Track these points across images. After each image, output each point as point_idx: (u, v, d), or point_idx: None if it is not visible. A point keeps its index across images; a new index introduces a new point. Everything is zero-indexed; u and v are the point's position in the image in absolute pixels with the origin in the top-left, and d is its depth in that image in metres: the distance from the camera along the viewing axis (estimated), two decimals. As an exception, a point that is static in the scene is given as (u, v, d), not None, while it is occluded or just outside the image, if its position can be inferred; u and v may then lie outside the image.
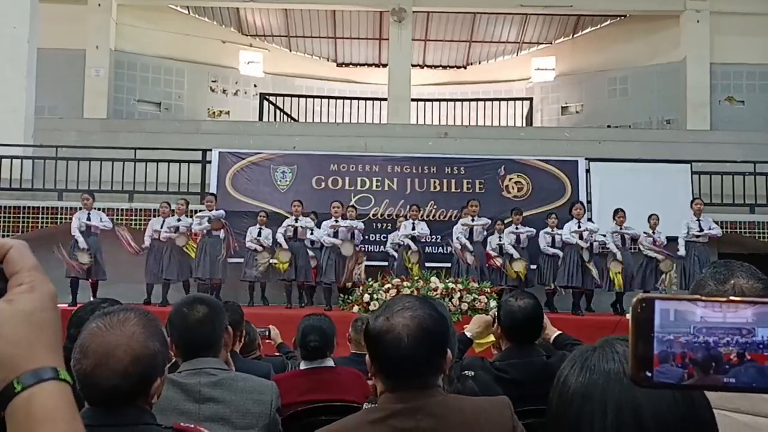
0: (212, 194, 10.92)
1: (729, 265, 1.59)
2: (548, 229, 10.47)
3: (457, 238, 10.28)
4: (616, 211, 10.36)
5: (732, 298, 0.75)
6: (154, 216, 10.67)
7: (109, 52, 15.34)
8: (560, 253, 10.22)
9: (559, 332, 3.35)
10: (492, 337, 3.26)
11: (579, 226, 10.21)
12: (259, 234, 10.47)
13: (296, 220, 10.48)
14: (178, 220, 10.38)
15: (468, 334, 3.06)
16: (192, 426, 1.78)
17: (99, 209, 10.64)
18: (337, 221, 10.32)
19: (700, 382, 0.73)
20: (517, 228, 10.55)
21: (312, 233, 10.36)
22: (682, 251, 10.25)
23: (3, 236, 10.99)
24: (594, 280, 10.06)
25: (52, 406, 0.74)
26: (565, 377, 1.02)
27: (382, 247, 11.07)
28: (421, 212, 11.05)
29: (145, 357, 1.58)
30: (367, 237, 11.02)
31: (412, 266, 10.05)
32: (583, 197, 11.51)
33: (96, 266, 10.14)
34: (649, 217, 10.39)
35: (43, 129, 12.51)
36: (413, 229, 10.48)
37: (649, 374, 0.74)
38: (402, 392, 1.67)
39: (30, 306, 0.76)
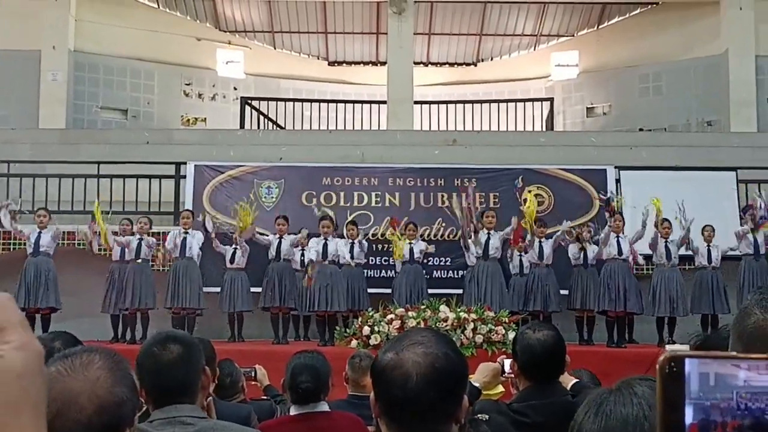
0: (189, 210, 10.95)
1: (778, 290, 1.59)
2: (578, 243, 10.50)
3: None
4: (661, 222, 10.29)
5: None
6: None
7: (67, 52, 15.39)
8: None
9: (576, 380, 3.34)
10: (501, 388, 3.24)
11: (618, 241, 10.19)
12: (234, 255, 10.51)
13: (280, 240, 10.50)
14: (140, 239, 10.40)
15: (476, 385, 3.05)
16: None
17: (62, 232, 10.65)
18: (326, 240, 10.30)
19: None
20: (540, 242, 10.53)
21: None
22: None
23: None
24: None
25: None
26: (579, 424, 1.03)
27: (383, 271, 11.06)
28: (422, 230, 11.05)
29: (112, 405, 1.58)
30: (366, 260, 10.98)
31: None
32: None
33: (46, 292, 10.11)
34: (703, 228, 10.40)
35: (-8, 141, 12.56)
36: (411, 251, 10.46)
37: None
38: (408, 440, 1.66)
39: (20, 366, 0.77)
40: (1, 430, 0.75)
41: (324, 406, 3.43)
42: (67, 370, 1.60)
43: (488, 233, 10.33)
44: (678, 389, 0.74)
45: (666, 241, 10.22)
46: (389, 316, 9.51)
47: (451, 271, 11.31)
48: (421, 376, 1.64)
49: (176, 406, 2.32)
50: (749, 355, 0.75)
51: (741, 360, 0.75)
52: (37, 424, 0.77)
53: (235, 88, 17.45)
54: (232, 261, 10.55)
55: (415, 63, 16.29)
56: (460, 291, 10.41)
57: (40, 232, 10.32)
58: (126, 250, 10.36)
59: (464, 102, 17.41)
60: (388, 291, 10.55)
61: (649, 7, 16.77)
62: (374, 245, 11.38)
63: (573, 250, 10.48)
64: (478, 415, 2.59)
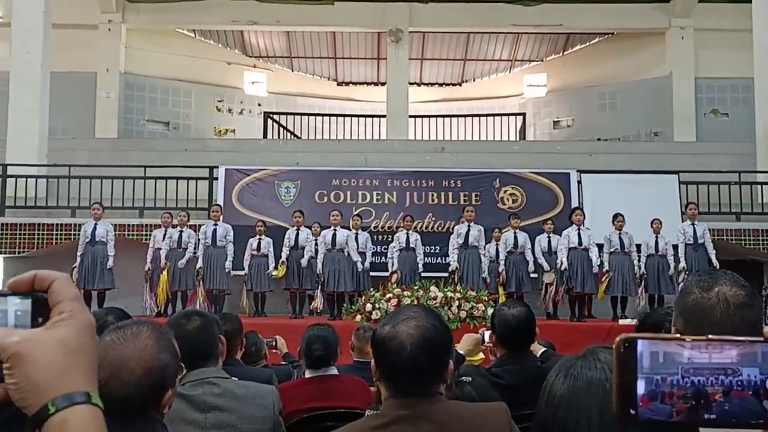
0: (218, 204, 10.94)
1: (713, 273, 1.60)
2: (544, 235, 10.45)
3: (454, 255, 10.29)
4: (615, 216, 10.21)
5: (711, 336, 0.75)
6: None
7: (119, 74, 15.40)
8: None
9: (544, 349, 3.35)
10: (482, 355, 3.25)
11: (579, 233, 10.15)
12: (259, 244, 10.47)
13: (297, 230, 10.49)
14: (180, 231, 10.37)
15: (461, 352, 3.05)
16: None
17: (112, 225, 10.62)
18: (335, 230, 10.29)
19: (684, 419, 0.74)
20: (515, 233, 10.49)
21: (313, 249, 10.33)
22: (681, 261, 10.17)
23: (19, 252, 11.04)
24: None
25: (84, 428, 0.75)
26: (551, 385, 1.03)
27: (383, 258, 11.05)
28: (415, 223, 11.01)
29: (157, 369, 1.58)
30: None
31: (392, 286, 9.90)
32: (575, 208, 11.48)
33: (102, 275, 10.11)
34: (652, 222, 10.28)
35: (56, 149, 12.52)
36: (407, 240, 10.45)
37: (633, 412, 0.74)
38: (404, 399, 1.66)
39: (67, 333, 0.77)
40: (55, 389, 0.75)
41: (333, 370, 3.42)
42: (119, 339, 1.60)
43: (468, 225, 10.33)
44: (631, 365, 0.75)
45: (620, 233, 10.17)
46: (388, 295, 9.50)
47: (439, 258, 11.30)
48: (414, 345, 1.64)
49: (203, 369, 2.33)
50: (693, 337, 0.75)
51: (685, 341, 0.75)
52: (87, 378, 0.77)
53: (259, 104, 17.43)
54: (258, 249, 10.51)
55: (410, 83, 16.27)
56: (446, 274, 10.38)
57: (95, 224, 10.29)
58: (169, 240, 10.31)
59: (451, 116, 17.42)
60: (386, 274, 10.52)
61: (606, 36, 16.76)
62: (375, 236, 11.37)
63: (538, 245, 10.43)
64: (463, 378, 2.59)
